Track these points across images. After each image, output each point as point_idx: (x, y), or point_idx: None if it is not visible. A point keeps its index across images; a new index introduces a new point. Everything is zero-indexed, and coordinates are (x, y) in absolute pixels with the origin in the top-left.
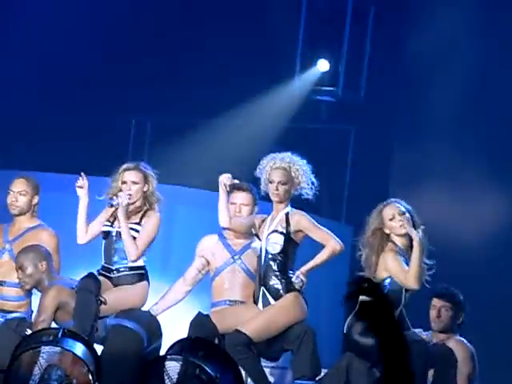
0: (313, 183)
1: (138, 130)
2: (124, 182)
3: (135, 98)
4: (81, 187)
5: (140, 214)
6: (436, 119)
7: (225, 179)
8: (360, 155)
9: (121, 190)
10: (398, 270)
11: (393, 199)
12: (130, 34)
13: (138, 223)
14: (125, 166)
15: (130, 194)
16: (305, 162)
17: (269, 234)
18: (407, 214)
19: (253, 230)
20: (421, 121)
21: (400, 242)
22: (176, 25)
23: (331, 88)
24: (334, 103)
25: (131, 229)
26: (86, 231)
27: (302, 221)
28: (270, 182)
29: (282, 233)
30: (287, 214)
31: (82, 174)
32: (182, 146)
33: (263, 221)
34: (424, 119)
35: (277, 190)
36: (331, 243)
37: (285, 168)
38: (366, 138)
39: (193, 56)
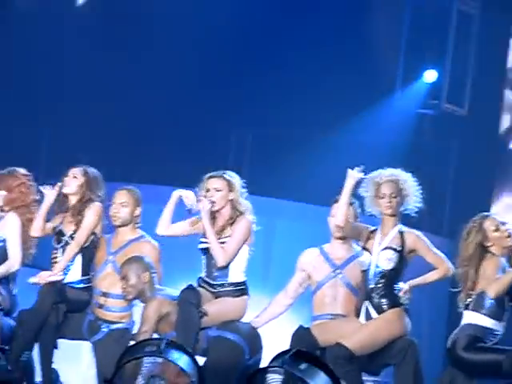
0: (418, 198)
1: (238, 142)
2: (208, 190)
3: (236, 110)
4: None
5: (231, 225)
6: None
7: (355, 173)
8: (462, 169)
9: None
10: (490, 277)
11: (485, 213)
12: (234, 51)
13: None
14: (209, 175)
15: (214, 202)
16: (410, 175)
17: (382, 250)
18: (508, 226)
19: (360, 242)
20: None
21: (500, 253)
22: (278, 39)
23: (434, 101)
24: (437, 116)
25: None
26: (167, 224)
27: (418, 242)
28: (381, 197)
29: (396, 250)
30: (401, 232)
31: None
32: (283, 159)
33: (371, 232)
34: None
35: (390, 202)
36: (445, 266)
37: (394, 181)
38: (468, 152)
39: (295, 71)
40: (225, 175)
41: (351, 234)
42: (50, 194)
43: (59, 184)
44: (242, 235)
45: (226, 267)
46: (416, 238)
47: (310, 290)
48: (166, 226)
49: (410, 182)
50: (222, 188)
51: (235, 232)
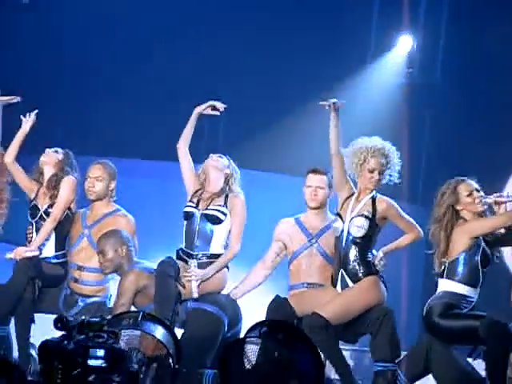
0: (398, 171)
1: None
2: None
3: (210, 83)
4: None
5: (223, 197)
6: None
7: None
8: (436, 138)
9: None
10: (481, 222)
11: (461, 177)
12: (205, 26)
13: (223, 205)
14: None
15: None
16: (395, 149)
17: (354, 217)
18: (482, 193)
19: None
20: (497, 101)
21: (471, 219)
22: (253, 11)
23: (409, 70)
24: (412, 85)
25: (217, 210)
26: (187, 141)
27: (389, 209)
28: (370, 171)
29: (367, 217)
30: (374, 199)
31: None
32: (257, 131)
33: (349, 197)
34: (501, 99)
35: (377, 178)
36: (415, 232)
37: (384, 155)
38: (442, 121)
39: (270, 44)
40: (227, 157)
41: (338, 169)
42: (27, 121)
43: (36, 111)
44: (243, 217)
45: (209, 238)
46: (387, 205)
47: (287, 259)
48: (185, 142)
49: (395, 158)
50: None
51: (236, 216)
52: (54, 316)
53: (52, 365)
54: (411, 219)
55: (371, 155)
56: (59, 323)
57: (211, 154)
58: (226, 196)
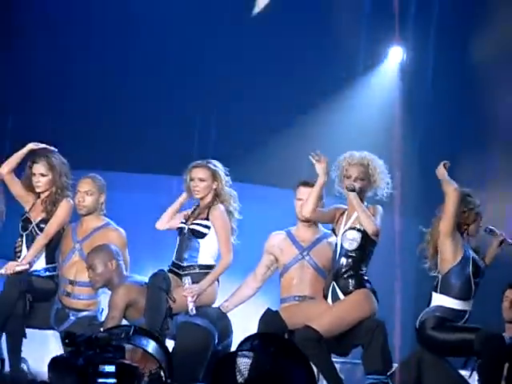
0: (388, 184)
1: (203, 126)
2: (192, 179)
3: (200, 96)
4: None
5: (207, 210)
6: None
7: (322, 167)
8: (427, 150)
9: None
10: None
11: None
12: (196, 35)
13: (206, 218)
14: (193, 164)
15: (198, 190)
16: (382, 161)
17: (346, 231)
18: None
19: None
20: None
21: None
22: (246, 25)
23: (399, 81)
24: (403, 97)
25: (200, 224)
26: (168, 220)
27: (373, 211)
28: (347, 177)
29: (359, 230)
30: None
31: None
32: (249, 144)
33: (342, 214)
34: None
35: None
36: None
37: (363, 164)
38: (433, 137)
39: (261, 58)
40: (209, 165)
41: (322, 220)
42: (33, 146)
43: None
44: (225, 227)
45: (196, 250)
46: (373, 209)
47: (278, 272)
48: (166, 219)
49: (379, 168)
50: (206, 178)
51: (219, 228)
52: (46, 331)
53: (63, 381)
54: (373, 218)
55: (350, 164)
56: (67, 339)
57: (193, 176)
58: (209, 208)
